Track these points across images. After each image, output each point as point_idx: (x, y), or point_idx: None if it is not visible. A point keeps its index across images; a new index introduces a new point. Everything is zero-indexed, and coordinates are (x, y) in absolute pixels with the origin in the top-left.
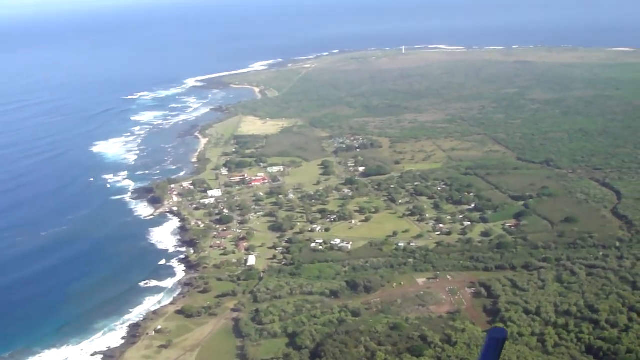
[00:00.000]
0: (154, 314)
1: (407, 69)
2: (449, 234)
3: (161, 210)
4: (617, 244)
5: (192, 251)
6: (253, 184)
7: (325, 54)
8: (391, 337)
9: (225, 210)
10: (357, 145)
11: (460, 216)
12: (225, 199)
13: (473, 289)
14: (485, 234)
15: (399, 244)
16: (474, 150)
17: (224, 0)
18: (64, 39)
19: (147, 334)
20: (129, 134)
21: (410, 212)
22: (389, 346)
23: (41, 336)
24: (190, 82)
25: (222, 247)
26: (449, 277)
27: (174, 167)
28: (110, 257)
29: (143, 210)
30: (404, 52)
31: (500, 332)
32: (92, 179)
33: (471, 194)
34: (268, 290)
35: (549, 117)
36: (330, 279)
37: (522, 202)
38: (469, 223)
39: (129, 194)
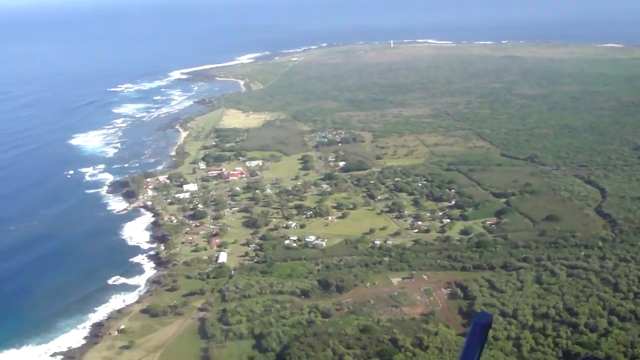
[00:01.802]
0: (119, 313)
1: (395, 63)
2: (427, 231)
3: (135, 204)
4: (600, 243)
5: (163, 247)
6: (230, 178)
7: (313, 47)
8: (361, 340)
9: (200, 205)
10: (339, 140)
11: (440, 213)
12: (201, 194)
13: (449, 289)
14: (464, 232)
15: (375, 242)
16: (457, 145)
17: None
18: (46, 30)
19: (110, 334)
20: (110, 127)
21: (388, 209)
22: (357, 349)
23: (0, 337)
24: (176, 74)
25: (193, 244)
26: (424, 276)
27: (152, 161)
28: (79, 254)
29: (117, 204)
30: (392, 46)
31: (486, 317)
32: (70, 173)
33: (452, 191)
34: (237, 289)
35: (535, 113)
36: (302, 278)
37: (504, 200)
38: (449, 220)
39: (105, 187)
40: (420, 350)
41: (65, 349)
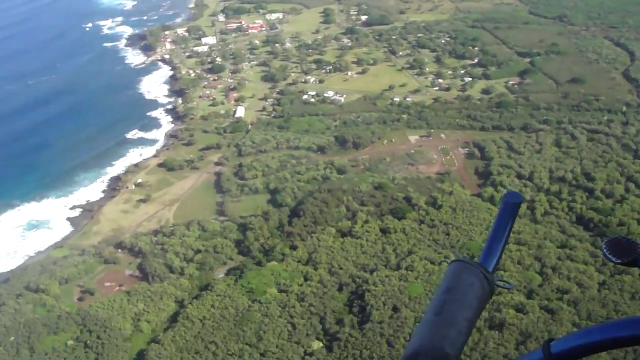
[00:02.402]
0: (136, 167)
1: None
2: (447, 89)
3: (153, 58)
4: (624, 108)
5: (180, 101)
6: (250, 31)
7: None
8: (375, 197)
9: (218, 59)
10: None
11: (462, 71)
12: (219, 47)
13: (466, 149)
14: (485, 91)
15: (394, 99)
16: (484, 1)
17: None
18: None
19: (127, 187)
20: None
21: (409, 65)
22: (371, 207)
23: (22, 191)
24: None
25: (211, 98)
26: (442, 135)
27: (170, 13)
28: (98, 108)
29: (135, 58)
30: None
31: (516, 197)
32: (88, 26)
33: (475, 49)
34: (253, 144)
35: None
36: (319, 134)
37: (528, 59)
38: (470, 79)
39: (123, 40)
40: (434, 209)
41: (84, 202)
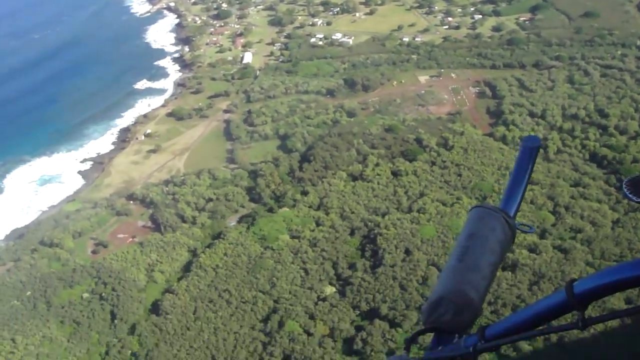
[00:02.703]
0: (145, 118)
1: None
2: (457, 28)
3: (158, 6)
4: (638, 42)
5: (187, 49)
6: None
7: None
8: (385, 139)
9: (224, 5)
10: None
11: (472, 9)
12: None
13: (477, 88)
14: (496, 28)
15: (403, 39)
16: None
17: None
18: None
19: (137, 138)
20: None
21: (418, 4)
22: (382, 149)
23: (33, 146)
24: None
25: (218, 44)
26: (453, 75)
27: None
28: (105, 60)
29: (140, 7)
30: None
31: (534, 141)
32: None
33: None
34: (262, 90)
35: None
36: (327, 77)
37: None
38: (480, 16)
39: None
40: (445, 150)
41: (94, 155)
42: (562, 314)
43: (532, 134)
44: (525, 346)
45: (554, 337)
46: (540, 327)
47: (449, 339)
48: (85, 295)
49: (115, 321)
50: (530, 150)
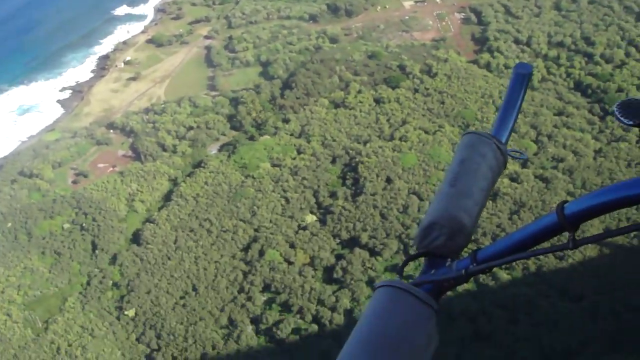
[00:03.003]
0: (124, 45)
1: None
2: None
3: None
4: None
5: None
6: None
7: None
8: (368, 66)
9: None
10: None
11: None
12: None
13: (463, 14)
14: None
15: None
16: None
17: None
18: None
19: (116, 66)
20: None
21: None
22: (364, 76)
23: (10, 75)
24: None
25: None
26: (438, 0)
27: None
28: None
29: None
30: None
31: (526, 68)
32: None
33: None
34: (244, 15)
35: None
36: (310, 2)
37: None
38: None
39: None
40: (429, 77)
41: (73, 83)
42: (553, 236)
43: (518, 61)
44: (504, 275)
45: (532, 267)
46: (532, 249)
47: (441, 264)
48: (66, 225)
49: (96, 251)
50: (522, 77)
